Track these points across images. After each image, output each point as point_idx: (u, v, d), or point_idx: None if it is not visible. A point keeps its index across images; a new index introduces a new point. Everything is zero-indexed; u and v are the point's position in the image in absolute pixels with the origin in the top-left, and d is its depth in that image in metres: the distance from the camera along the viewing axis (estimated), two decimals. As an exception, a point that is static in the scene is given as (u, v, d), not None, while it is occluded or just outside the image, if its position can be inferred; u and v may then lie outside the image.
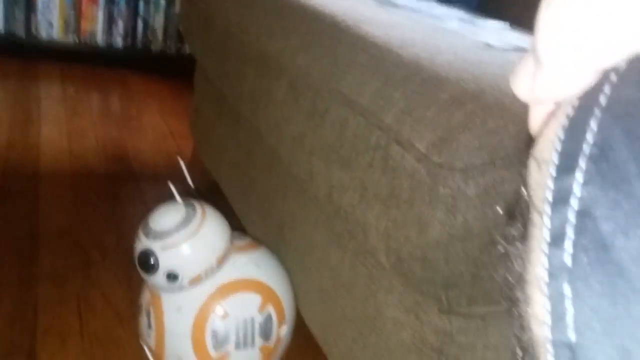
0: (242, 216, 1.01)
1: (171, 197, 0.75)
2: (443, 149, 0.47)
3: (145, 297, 0.75)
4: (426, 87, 0.55)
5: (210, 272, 0.71)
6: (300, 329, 0.78)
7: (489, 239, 0.47)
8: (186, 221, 0.70)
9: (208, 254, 0.70)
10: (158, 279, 0.70)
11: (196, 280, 0.70)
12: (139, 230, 0.72)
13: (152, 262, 0.68)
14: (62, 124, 1.66)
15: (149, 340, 0.74)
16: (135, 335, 0.88)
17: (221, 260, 0.72)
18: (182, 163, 0.78)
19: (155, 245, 0.69)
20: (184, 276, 0.69)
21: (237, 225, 0.88)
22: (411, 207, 0.50)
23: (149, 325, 0.73)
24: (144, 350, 0.78)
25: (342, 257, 0.67)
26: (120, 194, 1.32)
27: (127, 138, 1.64)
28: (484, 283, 0.49)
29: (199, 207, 0.73)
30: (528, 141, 0.47)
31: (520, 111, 0.49)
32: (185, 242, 0.69)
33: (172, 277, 0.69)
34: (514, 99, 0.53)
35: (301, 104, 0.71)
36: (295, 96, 0.73)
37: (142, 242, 0.70)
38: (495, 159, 0.45)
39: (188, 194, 0.76)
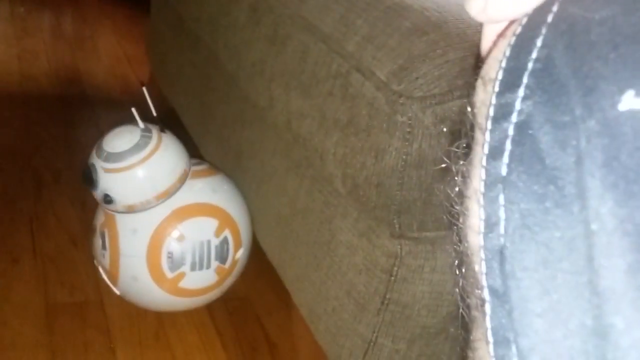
0: (200, 143, 1.00)
1: (129, 122, 0.74)
2: (403, 77, 0.48)
3: (100, 218, 0.75)
4: (389, 15, 0.54)
5: (147, 205, 0.71)
6: (256, 254, 0.80)
7: (443, 167, 0.48)
8: (136, 148, 0.70)
9: (147, 188, 0.70)
10: (97, 196, 0.71)
11: (131, 208, 0.71)
12: (95, 145, 0.72)
13: (93, 178, 0.69)
14: (12, 45, 1.58)
15: (103, 261, 0.75)
16: (89, 257, 0.88)
17: (162, 196, 0.71)
18: (145, 90, 0.76)
19: (99, 164, 0.69)
20: (118, 202, 0.70)
21: (194, 153, 0.87)
22: (369, 134, 0.51)
23: (104, 247, 0.74)
24: (98, 271, 0.78)
25: (299, 184, 0.68)
26: (73, 118, 1.28)
27: (81, 61, 1.58)
28: (435, 209, 0.51)
29: (155, 135, 0.72)
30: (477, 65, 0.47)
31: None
32: (126, 171, 0.69)
33: (108, 199, 0.70)
34: (476, 30, 0.54)
35: (262, 29, 0.70)
36: (256, 20, 0.72)
37: (91, 158, 0.71)
38: (454, 89, 0.46)
39: (148, 121, 0.75)
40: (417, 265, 0.54)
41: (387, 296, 0.55)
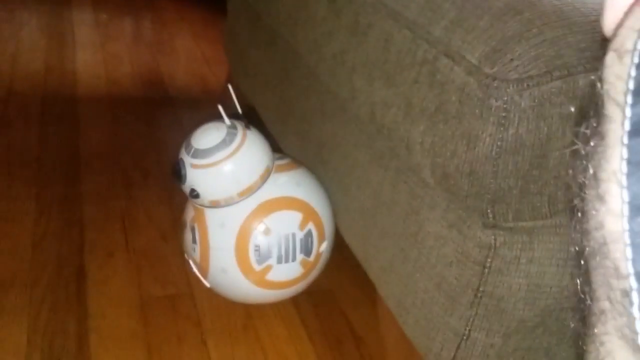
0: (280, 139, 1.01)
1: (215, 119, 0.76)
2: (497, 60, 0.46)
3: (190, 214, 0.77)
4: (478, -3, 0.52)
5: (230, 201, 0.72)
6: (339, 246, 0.80)
7: (541, 153, 0.46)
8: (223, 144, 0.71)
9: (230, 185, 0.71)
10: (185, 190, 0.73)
11: (215, 203, 0.72)
12: (184, 141, 0.74)
13: (181, 173, 0.72)
14: (97, 50, 1.66)
15: (193, 254, 0.77)
16: (178, 251, 0.91)
17: (245, 193, 0.72)
18: (230, 88, 0.77)
19: (187, 160, 0.72)
20: (204, 197, 0.72)
21: (275, 148, 0.88)
22: (460, 121, 0.49)
23: (194, 240, 0.76)
24: (187, 264, 0.81)
25: (383, 175, 0.68)
26: (157, 118, 1.33)
27: (162, 63, 1.64)
28: (533, 197, 0.48)
29: (241, 131, 0.73)
30: (589, 49, 0.45)
31: (579, 20, 0.47)
32: (213, 167, 0.71)
33: (194, 193, 0.72)
34: (573, 6, 0.51)
35: (342, 20, 0.70)
36: (335, 12, 0.72)
37: (180, 153, 0.74)
38: (552, 70, 0.44)
39: (234, 118, 0.76)
40: (512, 256, 0.52)
41: (481, 289, 0.54)
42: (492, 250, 0.52)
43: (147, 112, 1.35)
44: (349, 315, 0.84)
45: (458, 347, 0.57)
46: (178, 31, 1.91)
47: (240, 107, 0.79)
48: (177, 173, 0.71)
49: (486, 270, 0.53)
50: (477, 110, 0.47)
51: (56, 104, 1.33)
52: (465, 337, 0.56)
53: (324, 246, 0.77)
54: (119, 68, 1.56)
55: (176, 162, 0.72)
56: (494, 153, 0.47)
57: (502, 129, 0.45)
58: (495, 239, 0.52)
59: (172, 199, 1.04)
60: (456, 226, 0.56)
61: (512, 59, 0.45)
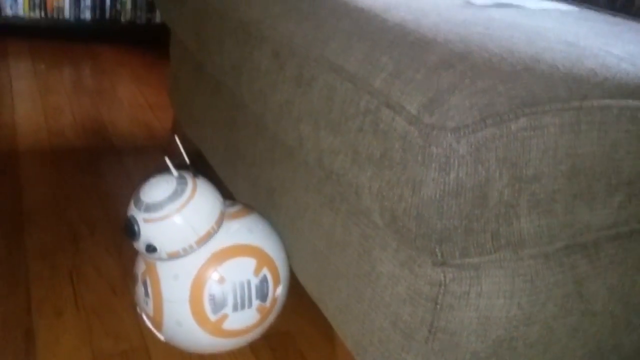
0: (229, 183, 1.02)
1: (161, 171, 0.76)
2: (434, 110, 0.49)
3: (141, 267, 0.77)
4: (413, 50, 0.56)
5: (189, 250, 0.72)
6: (295, 288, 0.81)
7: (481, 193, 0.49)
8: (173, 196, 0.71)
9: (187, 234, 0.71)
10: (140, 247, 0.73)
11: (174, 255, 0.72)
12: (132, 197, 0.74)
13: (135, 230, 0.71)
14: (37, 101, 1.63)
15: (146, 308, 0.76)
16: (130, 304, 0.90)
17: (203, 240, 0.73)
18: (176, 138, 0.78)
19: (139, 215, 0.71)
20: (162, 250, 0.71)
21: (225, 194, 0.89)
22: (404, 167, 0.52)
23: (147, 294, 0.75)
24: (141, 318, 0.80)
25: (334, 218, 0.70)
26: (102, 168, 1.31)
27: (104, 111, 1.62)
28: (477, 235, 0.51)
29: (190, 181, 0.74)
30: (518, 96, 0.49)
31: (507, 69, 0.51)
32: (167, 219, 0.71)
33: (151, 248, 0.72)
34: (501, 57, 0.55)
35: (286, 72, 0.72)
36: (279, 64, 0.74)
37: (130, 210, 0.73)
38: (486, 117, 0.47)
39: (181, 167, 0.77)
40: (462, 291, 0.54)
41: (434, 324, 0.56)
42: (443, 286, 0.55)
43: (91, 163, 1.33)
44: (307, 357, 0.85)
45: (416, 383, 0.59)
46: (119, 78, 1.91)
47: (188, 153, 0.80)
48: (129, 230, 0.71)
49: (438, 306, 0.55)
50: (419, 157, 0.50)
51: (-5, 158, 1.29)
52: (422, 373, 0.58)
53: (280, 290, 0.78)
54: (60, 119, 1.54)
55: (127, 219, 0.72)
56: (438, 196, 0.50)
57: (443, 173, 0.48)
58: (444, 276, 0.55)
59: (121, 252, 1.03)
60: (407, 265, 0.58)
61: (448, 109, 0.49)
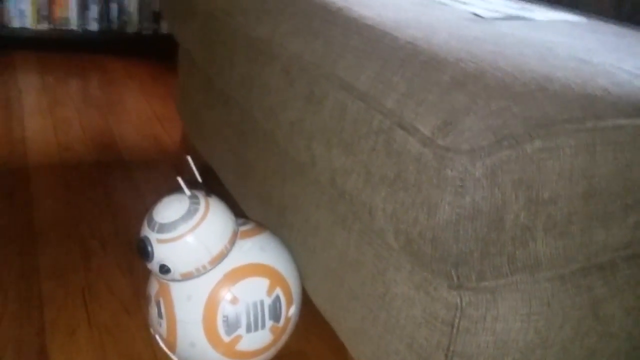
0: (240, 200, 1.01)
1: (171, 187, 0.76)
2: (449, 132, 0.49)
3: (154, 287, 0.76)
4: (426, 69, 0.55)
5: (202, 270, 0.72)
6: (307, 307, 0.80)
7: (497, 217, 0.48)
8: (187, 216, 0.71)
9: (201, 254, 0.71)
10: (153, 267, 0.72)
11: (188, 275, 0.72)
12: (145, 217, 0.74)
13: (148, 251, 0.71)
14: (46, 115, 1.64)
15: (160, 329, 0.75)
16: (143, 323, 0.89)
17: (216, 260, 0.72)
18: (190, 160, 0.78)
19: (152, 236, 0.71)
20: (175, 270, 0.71)
21: (236, 210, 0.89)
22: (419, 190, 0.51)
23: (160, 315, 0.75)
24: (154, 338, 0.79)
25: (347, 237, 0.69)
26: (112, 182, 1.31)
27: (113, 124, 1.63)
28: (493, 259, 0.50)
29: (203, 201, 0.73)
30: (533, 117, 0.48)
31: (520, 90, 0.51)
32: (180, 240, 0.70)
33: (164, 269, 0.71)
34: (514, 77, 0.55)
35: (297, 89, 0.72)
36: (289, 81, 0.74)
37: (143, 230, 0.73)
38: (501, 139, 0.47)
39: (192, 185, 0.76)
40: (479, 315, 0.54)
41: (451, 348, 0.55)
42: (459, 310, 0.54)
43: (101, 178, 1.33)
44: (321, 375, 0.84)
45: (433, 406, 0.58)
46: (127, 90, 1.91)
47: (198, 167, 0.79)
48: (143, 251, 0.71)
49: (454, 330, 0.54)
50: (434, 180, 0.49)
51: (6, 174, 1.29)
52: (439, 396, 0.57)
53: (293, 310, 0.78)
54: (69, 133, 1.54)
55: (140, 240, 0.72)
56: (454, 219, 0.49)
57: (459, 197, 0.48)
58: (461, 299, 0.54)
59: (133, 269, 1.03)
60: (423, 287, 0.57)
61: (463, 131, 0.48)
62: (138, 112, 1.74)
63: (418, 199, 0.51)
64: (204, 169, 1.20)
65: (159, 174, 1.36)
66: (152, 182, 1.32)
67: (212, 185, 0.84)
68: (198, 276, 0.72)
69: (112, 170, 1.37)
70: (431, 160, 0.50)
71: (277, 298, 0.75)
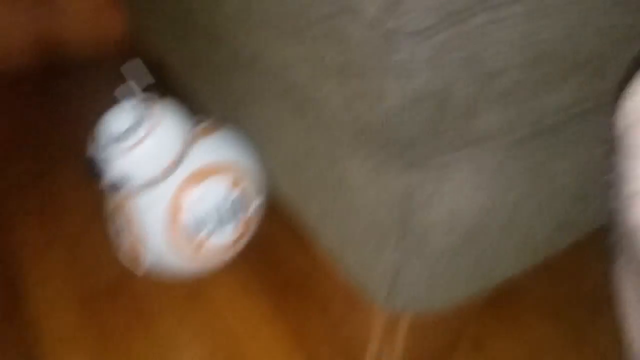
0: (195, 96, 1.00)
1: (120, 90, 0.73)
2: (393, 12, 0.48)
3: (111, 205, 0.76)
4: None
5: (161, 177, 0.71)
6: (273, 199, 0.82)
7: (445, 96, 0.49)
8: (139, 122, 0.68)
9: (161, 157, 0.70)
10: (108, 184, 0.71)
11: (146, 185, 0.71)
12: (95, 131, 0.72)
13: (95, 171, 0.69)
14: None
15: (124, 243, 0.76)
16: (108, 237, 0.90)
17: (174, 164, 0.71)
18: (140, 62, 0.74)
19: (105, 150, 0.69)
20: (133, 182, 0.70)
21: (193, 108, 0.87)
22: (367, 76, 0.51)
23: (121, 230, 0.75)
24: (119, 254, 0.80)
25: (302, 127, 0.69)
26: (56, 88, 1.26)
27: (48, 22, 1.53)
28: (443, 136, 0.52)
29: (154, 105, 0.71)
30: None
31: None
32: (135, 148, 0.68)
33: (120, 184, 0.70)
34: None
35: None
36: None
37: (91, 147, 0.70)
38: (444, 19, 0.46)
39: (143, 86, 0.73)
40: (432, 189, 0.56)
41: (408, 224, 0.58)
42: (411, 187, 0.56)
43: (44, 82, 1.27)
44: (288, 263, 0.88)
45: (393, 279, 0.62)
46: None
47: (148, 62, 0.76)
48: (93, 170, 0.69)
49: (410, 206, 0.57)
50: (381, 65, 0.49)
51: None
52: (398, 270, 0.61)
53: (258, 202, 0.79)
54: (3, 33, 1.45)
55: (89, 158, 0.70)
56: (402, 103, 0.49)
57: (406, 80, 0.48)
58: (414, 178, 0.56)
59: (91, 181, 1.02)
60: (376, 170, 0.59)
61: (407, 12, 0.47)
62: (76, 5, 1.63)
63: (367, 85, 0.51)
64: (155, 65, 1.16)
65: (106, 74, 1.30)
66: (99, 83, 1.26)
67: (166, 82, 0.82)
68: (156, 184, 0.71)
69: (55, 76, 1.31)
70: (377, 45, 0.49)
71: (242, 192, 0.76)
